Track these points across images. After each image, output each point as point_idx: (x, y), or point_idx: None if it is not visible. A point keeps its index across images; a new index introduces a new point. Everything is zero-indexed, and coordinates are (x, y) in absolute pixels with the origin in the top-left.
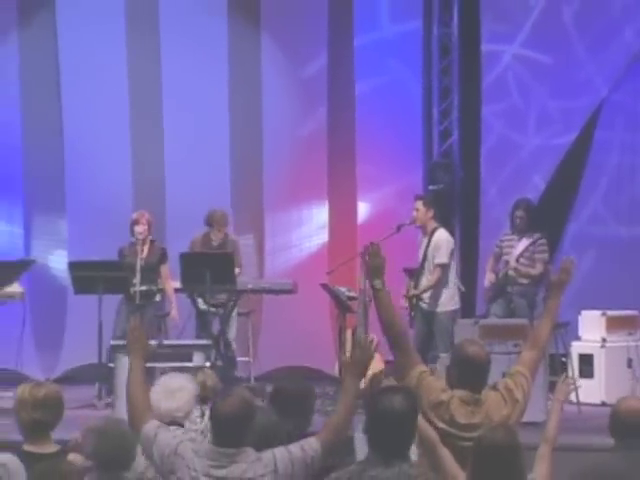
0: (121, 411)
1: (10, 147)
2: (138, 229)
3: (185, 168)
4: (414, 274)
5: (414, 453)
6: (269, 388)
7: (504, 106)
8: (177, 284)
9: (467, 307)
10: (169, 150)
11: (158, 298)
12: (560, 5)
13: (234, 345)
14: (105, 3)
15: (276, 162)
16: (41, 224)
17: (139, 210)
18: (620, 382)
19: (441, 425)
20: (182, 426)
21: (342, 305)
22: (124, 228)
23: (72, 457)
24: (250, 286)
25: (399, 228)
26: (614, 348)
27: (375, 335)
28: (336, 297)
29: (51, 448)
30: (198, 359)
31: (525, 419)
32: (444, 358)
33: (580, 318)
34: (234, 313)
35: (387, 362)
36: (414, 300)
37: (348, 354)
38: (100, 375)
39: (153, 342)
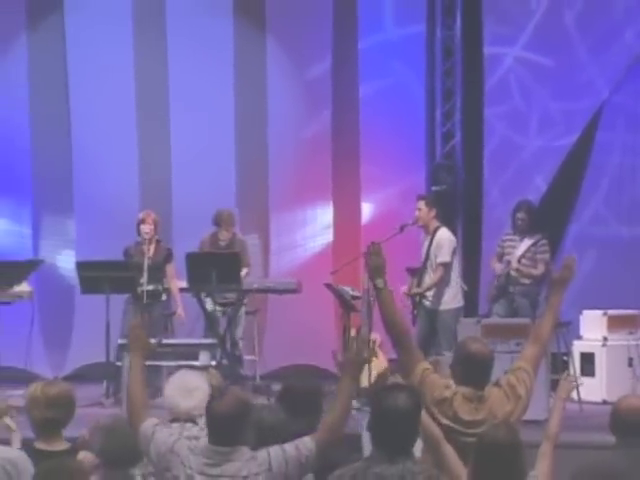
0: None
1: (19, 149)
2: (144, 229)
3: (191, 169)
4: (417, 273)
5: (418, 450)
6: (274, 386)
7: (506, 108)
8: (183, 284)
9: (469, 306)
10: (175, 151)
11: (164, 297)
12: (561, 8)
13: (241, 344)
14: (113, 6)
15: (281, 163)
16: (49, 224)
17: (146, 210)
18: (621, 381)
19: (445, 422)
20: (196, 423)
21: (346, 304)
22: (131, 228)
23: (82, 455)
24: (255, 285)
25: (402, 228)
26: (615, 347)
27: (378, 334)
28: (340, 296)
29: (62, 446)
30: (204, 358)
31: (527, 417)
32: (447, 357)
33: (581, 317)
34: (242, 312)
35: (390, 360)
36: (417, 298)
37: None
38: (108, 373)
39: (153, 340)
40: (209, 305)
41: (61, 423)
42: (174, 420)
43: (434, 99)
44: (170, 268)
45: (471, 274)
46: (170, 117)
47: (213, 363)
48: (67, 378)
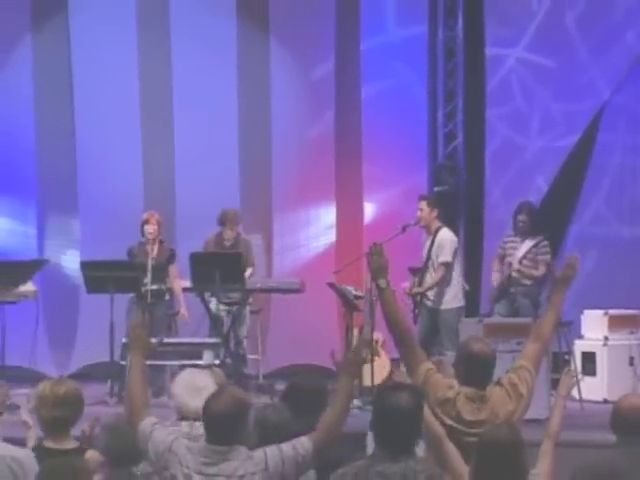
0: None
1: (24, 149)
2: (148, 229)
3: (195, 169)
4: (418, 273)
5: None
6: (277, 385)
7: (508, 109)
8: (187, 283)
9: (471, 306)
10: (179, 152)
11: (167, 297)
12: (563, 9)
13: (245, 343)
14: (117, 7)
15: (284, 163)
16: (54, 224)
17: (150, 210)
18: (622, 380)
19: (448, 422)
20: None
21: (349, 304)
22: (135, 228)
23: (90, 454)
24: (259, 285)
25: (404, 228)
26: (616, 346)
27: (381, 333)
28: (343, 296)
29: (71, 444)
30: (208, 357)
31: (528, 416)
32: (450, 356)
33: (583, 317)
34: (246, 312)
35: (393, 359)
36: (418, 297)
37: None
38: (112, 372)
39: (154, 340)
40: (213, 306)
41: (69, 422)
42: (183, 419)
43: (436, 100)
44: (173, 268)
45: (473, 274)
46: (174, 117)
47: (216, 362)
48: (72, 377)
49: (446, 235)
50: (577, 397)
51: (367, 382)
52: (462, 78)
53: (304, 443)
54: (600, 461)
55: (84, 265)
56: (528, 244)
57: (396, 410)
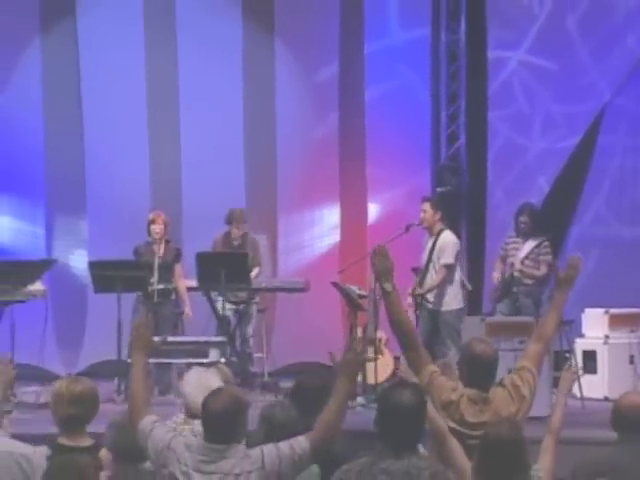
0: None
1: (33, 151)
2: (155, 229)
3: (201, 170)
4: (419, 274)
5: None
6: (282, 383)
7: (510, 111)
8: (193, 283)
9: (474, 305)
10: (186, 153)
11: (174, 296)
12: (564, 12)
13: (251, 341)
14: (124, 10)
15: (289, 165)
16: (62, 225)
17: (156, 211)
18: (622, 378)
19: (452, 425)
20: None
21: (353, 303)
22: (142, 228)
23: (104, 452)
24: (264, 285)
25: (408, 228)
26: (616, 345)
27: (385, 332)
28: (347, 295)
29: (86, 442)
30: (214, 355)
31: (530, 413)
32: (453, 356)
33: (584, 316)
34: (253, 311)
35: (396, 358)
36: (419, 299)
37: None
38: (119, 371)
39: (157, 339)
40: (220, 305)
41: (84, 420)
42: (194, 417)
43: (439, 102)
44: (178, 268)
45: (475, 274)
46: (180, 119)
47: (222, 360)
48: (79, 375)
49: (448, 237)
50: (578, 395)
51: (371, 380)
52: (465, 80)
53: (301, 442)
54: (601, 458)
55: (92, 265)
56: (530, 244)
57: (400, 408)
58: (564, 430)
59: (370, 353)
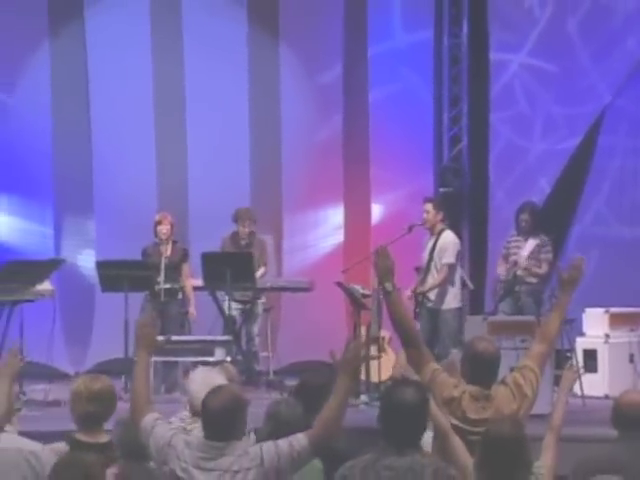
0: None
1: (41, 152)
2: (162, 229)
3: (207, 171)
4: (420, 273)
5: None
6: (287, 381)
7: (511, 113)
8: (199, 282)
9: (476, 304)
10: (192, 154)
11: (180, 296)
12: (565, 16)
13: (257, 340)
14: (131, 13)
15: (294, 166)
16: (70, 225)
17: (162, 212)
18: (622, 376)
19: (454, 421)
20: None
21: (356, 302)
22: (149, 228)
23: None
24: (269, 284)
25: (410, 228)
26: (617, 344)
27: (388, 331)
28: (351, 295)
29: (103, 438)
30: (219, 354)
31: (532, 411)
32: (455, 353)
33: (584, 315)
34: (259, 310)
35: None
36: (420, 297)
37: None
38: (126, 369)
39: (161, 338)
40: (226, 305)
41: (102, 417)
42: (198, 415)
43: (441, 104)
44: (185, 268)
45: (477, 274)
46: (186, 121)
47: (228, 359)
48: (87, 373)
49: (449, 237)
50: (579, 393)
51: (374, 378)
52: (467, 83)
53: (300, 440)
54: (601, 455)
55: (99, 264)
56: (531, 243)
57: (402, 405)
58: (565, 428)
59: (373, 352)
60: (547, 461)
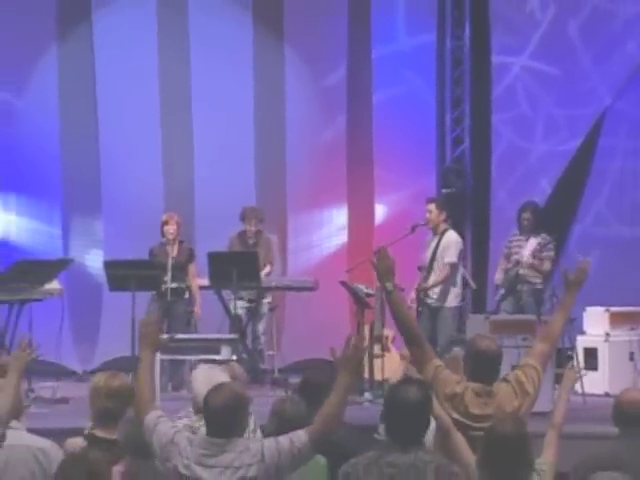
0: None
1: (50, 153)
2: (168, 229)
3: (213, 171)
4: (423, 272)
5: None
6: (292, 379)
7: (513, 114)
8: (206, 282)
9: (478, 304)
10: (198, 155)
11: (187, 295)
12: (566, 19)
13: (263, 339)
14: (138, 16)
15: (298, 167)
16: (78, 225)
17: (169, 212)
18: (623, 374)
19: (456, 416)
20: None
21: (360, 301)
22: (155, 228)
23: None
24: (274, 284)
25: (414, 228)
26: (617, 342)
27: (391, 330)
28: (355, 294)
29: (115, 435)
30: (225, 352)
31: (533, 409)
32: (457, 351)
33: (585, 314)
34: (265, 309)
35: (402, 355)
36: (422, 294)
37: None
38: (133, 367)
39: (165, 336)
40: (232, 304)
41: (120, 414)
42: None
43: (444, 106)
44: (192, 267)
45: (479, 273)
46: (192, 121)
47: (234, 357)
48: (95, 371)
49: (452, 237)
50: (580, 391)
51: (378, 376)
52: (469, 85)
53: (301, 436)
54: (602, 452)
55: (107, 264)
56: (533, 242)
57: (406, 403)
58: (566, 425)
59: (377, 350)
60: (549, 458)
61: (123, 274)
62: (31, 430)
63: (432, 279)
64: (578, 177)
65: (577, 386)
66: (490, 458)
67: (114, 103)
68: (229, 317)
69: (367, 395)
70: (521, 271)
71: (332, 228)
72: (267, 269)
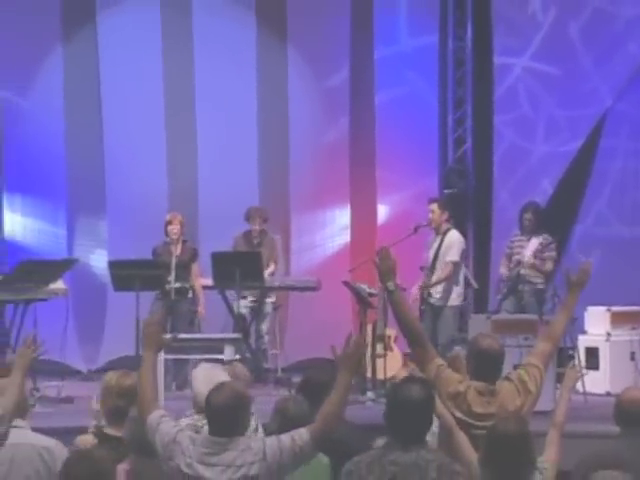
0: None
1: (55, 154)
2: (172, 229)
3: (216, 172)
4: (425, 271)
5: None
6: (295, 378)
7: (515, 115)
8: (209, 281)
9: (480, 303)
10: (202, 155)
11: (190, 294)
12: (567, 20)
13: (266, 338)
14: (142, 17)
15: (301, 167)
16: (83, 226)
17: (172, 212)
18: (624, 374)
19: (459, 415)
20: None
21: (363, 301)
22: (160, 229)
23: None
24: (277, 283)
25: (416, 229)
26: (618, 342)
27: (394, 329)
28: (357, 294)
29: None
30: (229, 352)
31: (535, 408)
32: (459, 350)
33: (586, 314)
34: (268, 308)
35: (405, 354)
36: (425, 293)
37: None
38: (137, 366)
39: (168, 336)
40: (236, 304)
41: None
42: (202, 412)
43: (446, 107)
44: (195, 267)
45: (481, 273)
46: (196, 121)
47: (237, 357)
48: (99, 371)
49: (455, 236)
50: (581, 390)
51: (380, 375)
52: (471, 86)
53: (302, 434)
54: (603, 451)
55: (111, 264)
56: (534, 242)
57: (408, 402)
58: (568, 424)
59: (380, 350)
60: (551, 456)
61: (127, 274)
62: (36, 429)
63: (434, 279)
64: (579, 178)
65: (578, 385)
66: (492, 456)
67: (119, 103)
68: (232, 317)
69: (369, 394)
70: (522, 271)
71: (335, 228)
72: (271, 268)
